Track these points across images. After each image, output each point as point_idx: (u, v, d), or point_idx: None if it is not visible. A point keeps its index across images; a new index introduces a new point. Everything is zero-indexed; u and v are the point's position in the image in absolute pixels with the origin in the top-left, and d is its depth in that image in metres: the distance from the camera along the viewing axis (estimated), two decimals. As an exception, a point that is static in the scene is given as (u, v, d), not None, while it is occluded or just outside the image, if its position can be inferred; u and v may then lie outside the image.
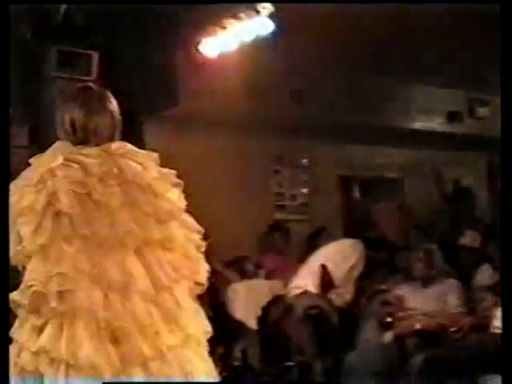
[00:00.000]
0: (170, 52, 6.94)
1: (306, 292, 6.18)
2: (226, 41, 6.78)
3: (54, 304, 2.52)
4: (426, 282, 5.84)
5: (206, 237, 3.00)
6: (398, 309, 5.73)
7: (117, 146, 2.82)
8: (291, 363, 7.47)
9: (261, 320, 7.35)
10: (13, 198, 2.66)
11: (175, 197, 2.86)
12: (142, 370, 2.58)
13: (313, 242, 7.67)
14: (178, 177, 2.98)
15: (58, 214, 2.60)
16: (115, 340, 2.56)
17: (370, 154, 9.35)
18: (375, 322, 5.80)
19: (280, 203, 8.75)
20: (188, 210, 2.94)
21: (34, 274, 2.57)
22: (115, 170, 2.72)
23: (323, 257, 6.28)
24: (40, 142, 6.26)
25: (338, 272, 6.14)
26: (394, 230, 7.95)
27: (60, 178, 2.64)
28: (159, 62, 7.00)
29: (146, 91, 7.09)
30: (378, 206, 8.82)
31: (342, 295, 6.12)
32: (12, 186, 2.71)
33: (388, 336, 5.65)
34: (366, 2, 6.13)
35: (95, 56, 6.88)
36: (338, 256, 6.23)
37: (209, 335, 2.95)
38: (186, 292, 2.85)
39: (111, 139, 2.85)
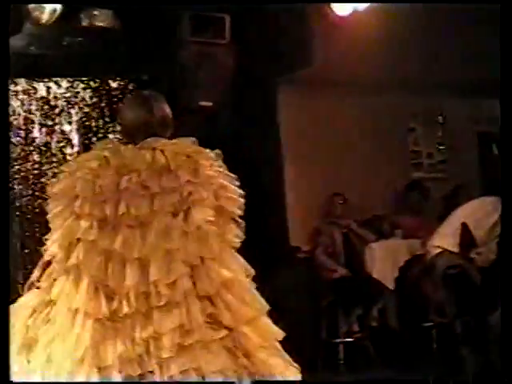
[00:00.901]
0: (302, 11, 6.89)
1: (445, 251, 6.06)
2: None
3: (61, 262, 3.19)
4: None
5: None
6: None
7: (150, 141, 3.35)
8: (430, 324, 7.40)
9: (399, 280, 7.30)
10: (54, 181, 3.40)
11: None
12: (131, 322, 3.07)
13: (451, 201, 7.51)
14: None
15: (76, 197, 3.21)
16: (108, 296, 3.11)
17: (509, 109, 9.03)
18: (520, 282, 5.64)
19: (417, 161, 8.62)
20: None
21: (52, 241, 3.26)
22: (126, 161, 3.26)
23: (463, 215, 6.12)
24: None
25: (479, 230, 5.97)
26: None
27: (83, 168, 3.28)
28: (291, 23, 6.97)
29: (279, 53, 7.08)
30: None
31: (484, 254, 5.96)
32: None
33: (534, 296, 5.47)
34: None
35: (228, 19, 6.92)
36: (479, 214, 6.06)
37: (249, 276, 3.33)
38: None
39: (154, 136, 3.38)
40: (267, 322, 3.26)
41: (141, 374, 3.02)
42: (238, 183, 3.38)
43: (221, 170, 3.35)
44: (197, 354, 3.05)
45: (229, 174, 3.37)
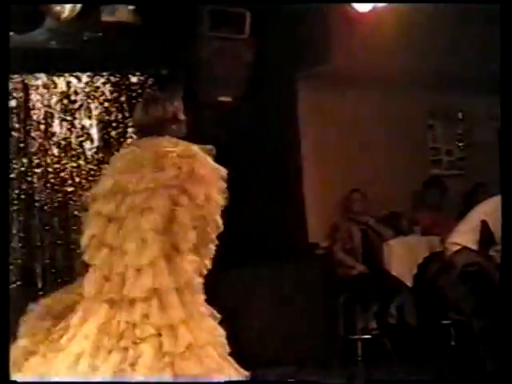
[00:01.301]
0: (322, 7, 6.87)
1: (464, 248, 6.03)
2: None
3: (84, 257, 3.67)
4: None
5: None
6: None
7: (145, 140, 3.73)
8: (448, 321, 7.36)
9: (417, 277, 7.27)
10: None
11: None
12: (121, 305, 3.46)
13: (470, 199, 7.48)
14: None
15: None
16: (108, 279, 3.54)
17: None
18: (539, 280, 5.60)
19: (436, 158, 8.58)
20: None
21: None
22: (123, 163, 3.73)
23: (483, 212, 6.08)
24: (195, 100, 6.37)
25: (499, 228, 5.95)
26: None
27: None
28: (310, 18, 6.96)
29: (298, 49, 7.08)
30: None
31: (504, 252, 5.94)
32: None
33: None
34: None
35: (248, 15, 6.91)
36: (499, 212, 6.03)
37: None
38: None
39: (159, 134, 3.71)
40: (193, 327, 3.51)
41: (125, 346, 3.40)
42: (225, 177, 3.61)
43: (192, 171, 3.56)
44: (137, 349, 3.39)
45: (205, 175, 3.57)
